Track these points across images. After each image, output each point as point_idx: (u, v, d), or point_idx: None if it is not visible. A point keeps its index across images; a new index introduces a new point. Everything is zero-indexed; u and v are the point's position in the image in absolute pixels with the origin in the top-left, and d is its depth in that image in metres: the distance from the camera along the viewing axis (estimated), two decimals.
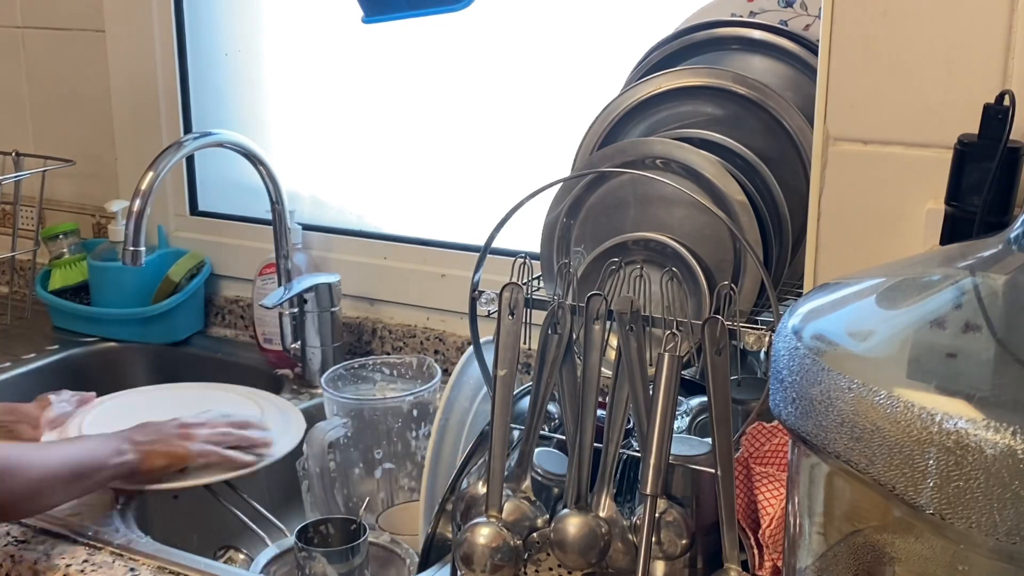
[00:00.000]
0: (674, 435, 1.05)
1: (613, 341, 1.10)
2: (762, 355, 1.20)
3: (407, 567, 1.21)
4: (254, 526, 1.35)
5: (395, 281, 1.76)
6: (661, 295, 1.13)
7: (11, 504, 1.19)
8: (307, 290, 1.66)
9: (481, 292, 1.20)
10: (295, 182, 1.83)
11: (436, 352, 1.70)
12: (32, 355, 1.84)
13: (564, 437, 1.13)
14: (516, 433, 1.14)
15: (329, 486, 1.36)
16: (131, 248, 1.50)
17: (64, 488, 1.23)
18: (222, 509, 1.37)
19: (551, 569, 1.13)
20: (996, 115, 0.94)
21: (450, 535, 1.19)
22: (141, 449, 1.29)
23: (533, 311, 1.15)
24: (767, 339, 1.07)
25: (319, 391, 1.58)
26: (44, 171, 1.96)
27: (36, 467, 1.20)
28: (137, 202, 1.49)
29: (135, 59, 1.92)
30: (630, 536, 1.08)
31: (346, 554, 1.14)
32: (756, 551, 1.08)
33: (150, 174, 1.51)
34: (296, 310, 1.68)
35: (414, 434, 1.40)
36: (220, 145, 1.64)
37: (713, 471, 1.04)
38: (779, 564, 1.05)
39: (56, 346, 1.88)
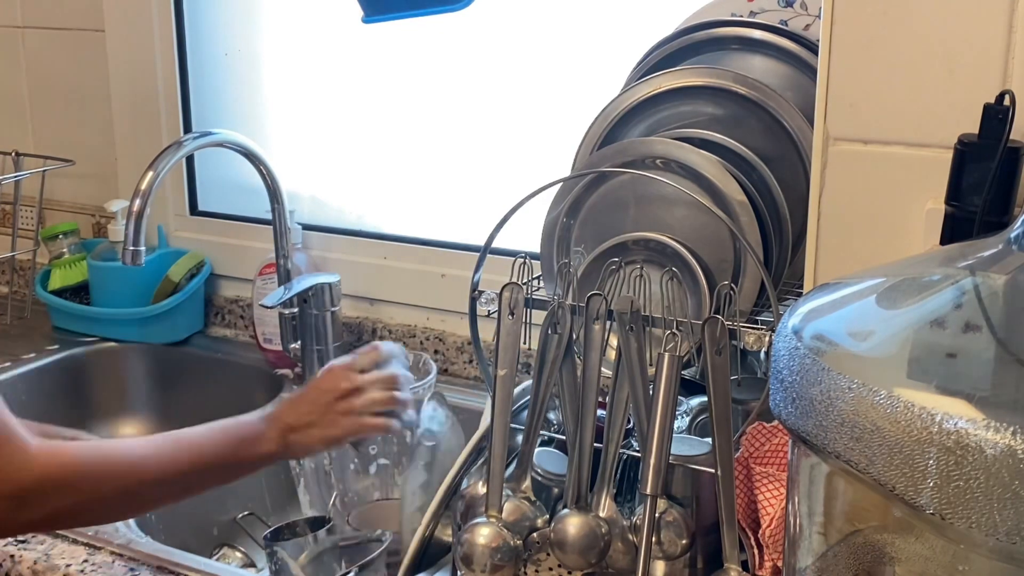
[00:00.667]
0: (674, 435, 1.05)
1: (613, 341, 1.10)
2: (762, 355, 1.20)
3: (384, 551, 1.19)
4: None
5: (395, 281, 1.76)
6: (661, 295, 1.13)
7: (105, 510, 1.06)
8: (307, 290, 1.66)
9: (481, 292, 1.20)
10: (295, 182, 1.83)
11: (436, 352, 1.70)
12: (32, 355, 1.84)
13: (564, 437, 1.13)
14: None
15: (324, 483, 1.36)
16: (131, 248, 1.49)
17: (186, 489, 1.12)
18: (222, 509, 1.37)
19: (551, 569, 1.13)
20: (996, 115, 0.94)
21: (445, 538, 1.19)
22: (292, 439, 1.16)
23: (533, 311, 1.15)
24: (767, 339, 1.07)
25: None
26: (44, 171, 1.96)
27: (147, 468, 1.05)
28: (137, 202, 1.48)
29: (135, 59, 1.92)
30: (630, 536, 1.08)
31: (301, 545, 1.14)
32: (756, 551, 1.08)
33: (150, 174, 1.50)
34: (296, 310, 1.68)
35: (409, 430, 1.40)
36: (220, 145, 1.63)
37: (713, 471, 1.04)
38: (779, 564, 1.05)
39: (56, 346, 1.88)
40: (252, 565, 1.39)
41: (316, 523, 1.18)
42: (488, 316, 1.17)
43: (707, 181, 1.18)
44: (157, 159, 1.52)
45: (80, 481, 1.00)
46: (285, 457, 1.18)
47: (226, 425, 1.16)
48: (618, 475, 1.10)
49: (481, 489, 1.13)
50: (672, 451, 1.05)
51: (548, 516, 1.12)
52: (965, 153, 0.96)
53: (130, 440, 1.10)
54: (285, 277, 1.71)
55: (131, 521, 1.31)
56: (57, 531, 1.24)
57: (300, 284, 1.65)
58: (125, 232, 1.49)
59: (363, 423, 1.19)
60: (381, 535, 1.17)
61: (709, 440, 1.08)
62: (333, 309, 1.67)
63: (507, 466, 1.12)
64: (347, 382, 1.20)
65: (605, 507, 1.09)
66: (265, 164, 1.67)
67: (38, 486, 0.96)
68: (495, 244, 1.18)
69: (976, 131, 0.95)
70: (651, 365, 1.07)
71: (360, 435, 1.21)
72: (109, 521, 1.16)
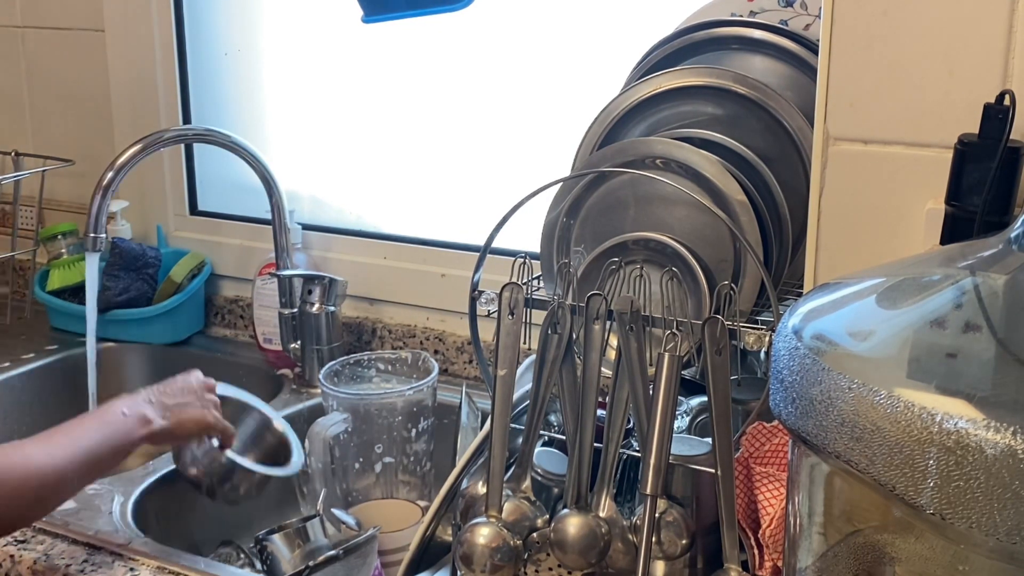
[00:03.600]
0: (674, 435, 1.05)
1: (613, 341, 1.10)
2: (762, 355, 1.20)
3: (374, 542, 1.19)
4: None
5: (395, 281, 1.76)
6: (661, 295, 1.13)
7: (9, 515, 1.08)
8: (308, 290, 1.67)
9: (481, 292, 1.20)
10: (295, 182, 1.83)
11: (436, 352, 1.70)
12: (31, 355, 1.84)
13: (564, 437, 1.13)
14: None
15: (331, 482, 1.36)
16: (91, 235, 1.52)
17: (82, 479, 1.12)
18: (221, 508, 1.37)
19: (551, 569, 1.13)
20: (996, 115, 0.94)
21: (445, 538, 1.20)
22: (173, 415, 1.20)
23: (533, 311, 1.15)
24: (767, 339, 1.07)
25: (319, 391, 1.58)
26: (43, 171, 1.96)
27: (29, 475, 1.07)
28: (98, 199, 1.52)
29: (135, 59, 1.92)
30: (630, 536, 1.08)
31: (292, 542, 1.14)
32: (756, 551, 1.08)
33: (109, 174, 1.54)
34: (296, 310, 1.68)
35: (411, 429, 1.40)
36: (191, 139, 1.66)
37: (713, 471, 1.04)
38: (779, 564, 1.05)
39: (55, 346, 1.88)
40: (252, 565, 1.39)
41: (307, 521, 1.18)
42: (488, 316, 1.17)
43: (707, 181, 1.18)
44: (116, 160, 1.56)
45: None
46: (177, 435, 1.22)
47: (105, 410, 1.19)
48: (618, 475, 1.10)
49: (481, 489, 1.13)
50: (672, 451, 1.05)
51: (548, 516, 1.12)
52: (965, 153, 0.96)
53: (20, 442, 1.15)
54: (284, 278, 1.71)
55: (131, 521, 1.31)
56: None
57: (305, 270, 1.69)
58: (88, 217, 1.52)
59: (222, 420, 1.26)
60: (372, 530, 1.17)
61: (709, 440, 1.08)
62: (333, 309, 1.67)
63: (507, 466, 1.12)
64: (210, 381, 1.28)
65: (605, 507, 1.09)
66: (254, 155, 1.68)
67: None
68: (495, 244, 1.18)
69: (976, 131, 0.95)
70: (651, 365, 1.07)
71: (220, 428, 1.26)
72: (31, 521, 1.19)
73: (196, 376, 1.27)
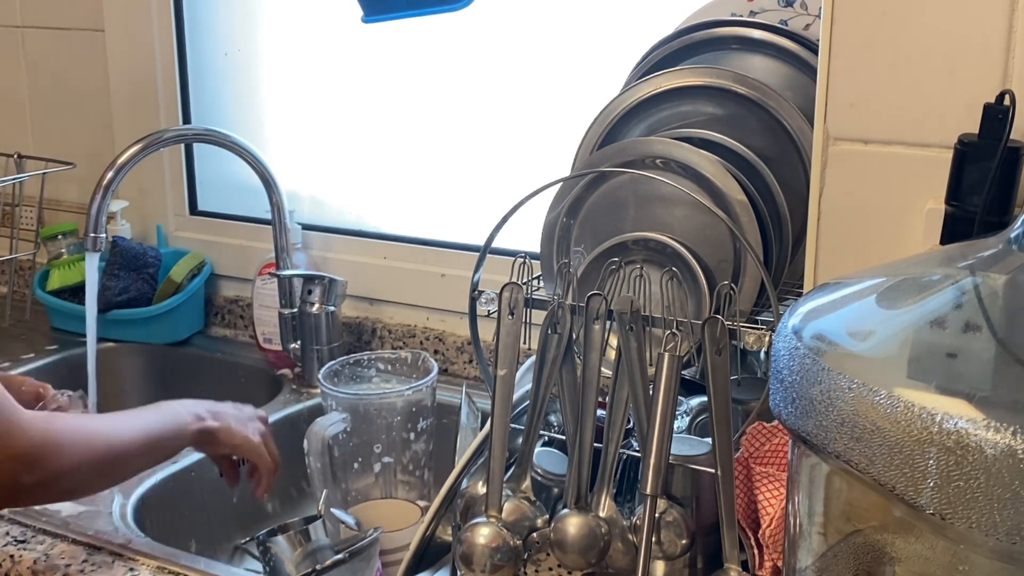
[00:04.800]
0: (674, 435, 1.05)
1: (613, 341, 1.10)
2: (762, 355, 1.20)
3: (377, 543, 1.18)
4: None
5: (395, 281, 1.76)
6: (661, 295, 1.13)
7: (70, 481, 1.11)
8: (308, 290, 1.67)
9: (481, 292, 1.20)
10: (295, 182, 1.83)
11: (436, 352, 1.70)
12: (31, 355, 1.84)
13: (564, 437, 1.13)
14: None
15: (331, 481, 1.36)
16: (91, 235, 1.53)
17: (142, 455, 1.19)
18: (222, 508, 1.37)
19: (551, 569, 1.13)
20: (996, 115, 0.94)
21: (445, 538, 1.19)
22: (223, 422, 1.27)
23: (533, 311, 1.15)
24: (767, 339, 1.07)
25: (318, 391, 1.58)
26: (44, 173, 1.96)
27: (99, 440, 1.12)
28: (98, 198, 1.53)
29: (134, 59, 1.92)
30: (630, 536, 1.08)
31: (294, 542, 1.14)
32: (756, 551, 1.08)
33: (109, 174, 1.55)
34: (296, 310, 1.68)
35: (411, 429, 1.40)
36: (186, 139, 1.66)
37: (713, 471, 1.04)
38: (779, 564, 1.05)
39: (55, 346, 1.88)
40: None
41: (309, 522, 1.18)
42: (488, 316, 1.17)
43: (707, 181, 1.18)
44: (116, 159, 1.56)
45: (67, 445, 1.08)
46: (222, 440, 1.28)
47: (162, 405, 1.28)
48: (618, 475, 1.10)
49: (481, 489, 1.13)
50: (672, 451, 1.05)
51: (548, 516, 1.12)
52: (965, 153, 0.96)
53: (95, 415, 1.27)
54: (285, 278, 1.71)
55: (131, 521, 1.31)
56: (59, 501, 1.29)
57: (305, 270, 1.70)
58: (87, 217, 1.53)
59: (269, 445, 1.32)
60: (375, 531, 1.17)
61: (709, 440, 1.08)
62: (333, 309, 1.67)
63: (507, 466, 1.12)
64: (262, 412, 1.37)
65: (605, 507, 1.09)
66: (254, 155, 1.68)
67: (35, 449, 1.05)
68: (495, 244, 1.18)
69: (976, 131, 0.95)
70: (651, 365, 1.07)
71: (262, 455, 1.31)
72: (97, 489, 1.22)
73: (249, 407, 1.35)
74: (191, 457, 1.43)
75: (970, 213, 0.95)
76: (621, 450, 1.09)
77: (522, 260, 1.15)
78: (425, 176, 1.75)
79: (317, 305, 1.67)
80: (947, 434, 0.61)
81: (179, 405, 1.26)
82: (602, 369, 1.09)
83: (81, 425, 1.14)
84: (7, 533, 1.28)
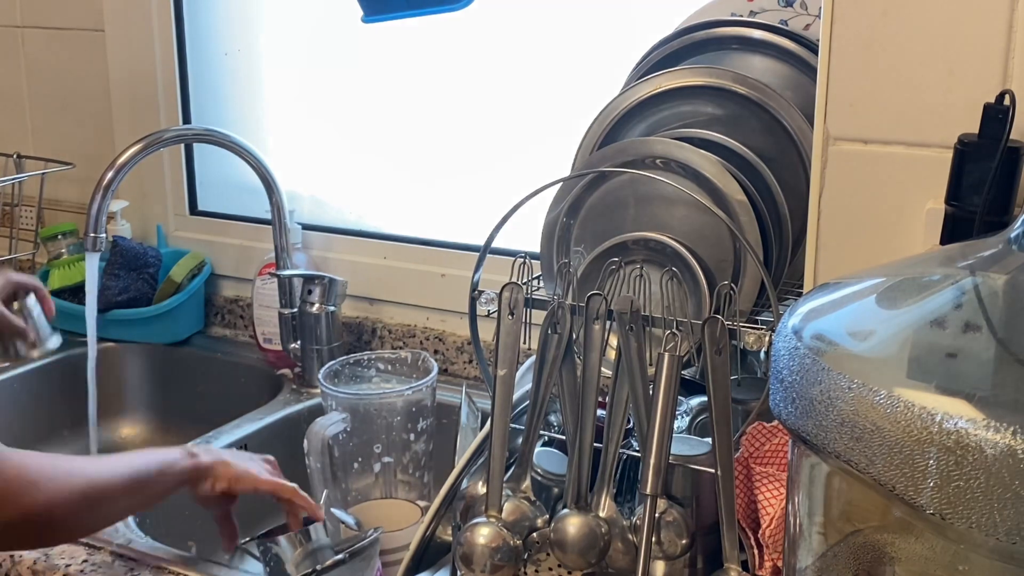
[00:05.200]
0: (674, 435, 1.05)
1: (613, 341, 1.10)
2: (762, 355, 1.20)
3: (377, 544, 1.18)
4: None
5: (395, 281, 1.76)
6: (661, 295, 1.13)
7: (47, 522, 1.04)
8: (308, 290, 1.66)
9: (481, 292, 1.20)
10: (295, 182, 1.83)
11: (436, 352, 1.70)
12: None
13: (564, 437, 1.13)
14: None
15: (331, 481, 1.36)
16: (91, 235, 1.53)
17: (125, 498, 1.11)
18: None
19: (551, 569, 1.13)
20: (996, 115, 0.94)
21: (445, 538, 1.19)
22: (219, 457, 1.20)
23: (533, 311, 1.15)
24: (767, 339, 1.07)
25: (318, 391, 1.58)
26: (44, 174, 1.96)
27: (78, 478, 1.06)
28: (98, 198, 1.53)
29: (135, 58, 1.92)
30: (630, 536, 1.08)
31: (294, 543, 1.14)
32: (756, 551, 1.08)
33: (109, 174, 1.54)
34: (296, 310, 1.68)
35: (411, 429, 1.40)
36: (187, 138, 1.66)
37: (713, 471, 1.04)
38: (779, 564, 1.05)
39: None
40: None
41: (309, 523, 1.18)
42: (488, 316, 1.17)
43: (707, 181, 1.18)
44: (117, 159, 1.57)
45: (45, 480, 1.03)
46: (219, 475, 1.20)
47: (152, 449, 1.22)
48: (618, 475, 1.10)
49: (481, 489, 1.13)
50: (672, 451, 1.05)
51: (548, 516, 1.12)
52: (965, 153, 0.96)
53: (78, 456, 1.18)
54: (285, 278, 1.71)
55: (131, 521, 1.31)
56: (38, 546, 1.22)
57: (305, 270, 1.70)
58: (87, 217, 1.53)
59: (280, 482, 1.23)
60: (376, 532, 1.17)
61: (709, 440, 1.08)
62: (333, 309, 1.67)
63: (507, 466, 1.12)
64: (268, 456, 1.28)
65: (605, 507, 1.09)
66: (254, 155, 1.68)
67: (7, 484, 1.00)
68: (495, 244, 1.18)
69: (976, 131, 0.95)
70: (651, 365, 1.07)
71: (270, 481, 1.23)
72: (80, 531, 1.16)
73: (256, 455, 1.28)
74: None
75: (970, 213, 0.95)
76: (621, 450, 1.09)
77: (522, 260, 1.15)
78: (425, 176, 1.75)
79: (317, 305, 1.67)
80: (947, 434, 0.61)
81: (174, 447, 1.21)
82: (602, 369, 1.09)
83: (60, 462, 1.08)
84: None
